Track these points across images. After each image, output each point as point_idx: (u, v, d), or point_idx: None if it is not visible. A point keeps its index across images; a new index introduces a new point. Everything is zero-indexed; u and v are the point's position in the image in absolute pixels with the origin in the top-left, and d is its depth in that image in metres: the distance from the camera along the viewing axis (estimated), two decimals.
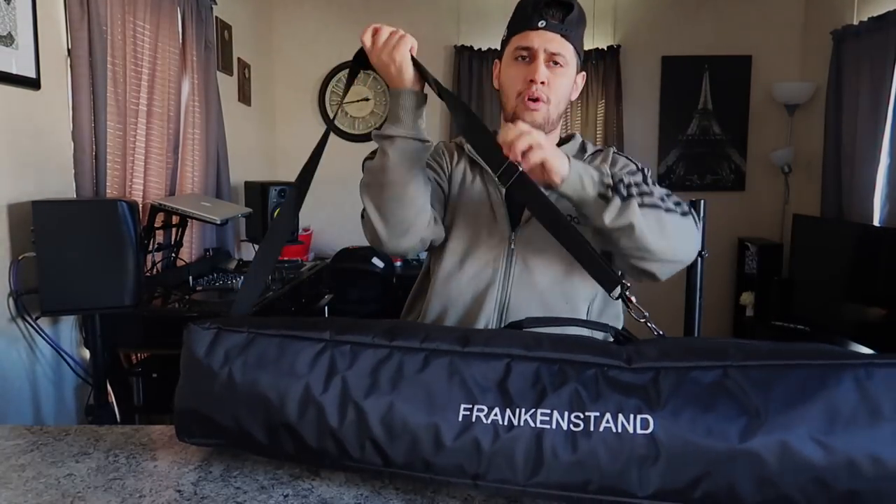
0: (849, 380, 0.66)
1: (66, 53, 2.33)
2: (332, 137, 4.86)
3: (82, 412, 2.38)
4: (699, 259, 2.82)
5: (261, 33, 4.69)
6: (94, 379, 2.23)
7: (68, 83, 2.33)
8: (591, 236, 1.14)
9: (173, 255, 2.99)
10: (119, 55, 2.55)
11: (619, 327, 1.32)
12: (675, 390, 0.69)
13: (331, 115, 4.93)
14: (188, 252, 3.25)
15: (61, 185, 2.30)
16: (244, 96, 4.24)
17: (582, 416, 0.70)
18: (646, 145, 4.98)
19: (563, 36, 1.32)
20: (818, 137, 4.44)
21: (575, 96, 1.44)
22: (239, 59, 4.13)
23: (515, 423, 0.71)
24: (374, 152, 1.26)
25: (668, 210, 1.17)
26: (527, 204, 1.09)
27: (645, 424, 0.68)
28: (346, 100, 4.89)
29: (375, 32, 1.17)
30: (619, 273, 1.17)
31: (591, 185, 1.11)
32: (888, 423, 0.64)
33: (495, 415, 0.72)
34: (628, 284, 1.00)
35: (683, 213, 1.20)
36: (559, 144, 1.45)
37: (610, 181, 1.12)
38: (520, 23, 1.35)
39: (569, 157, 1.11)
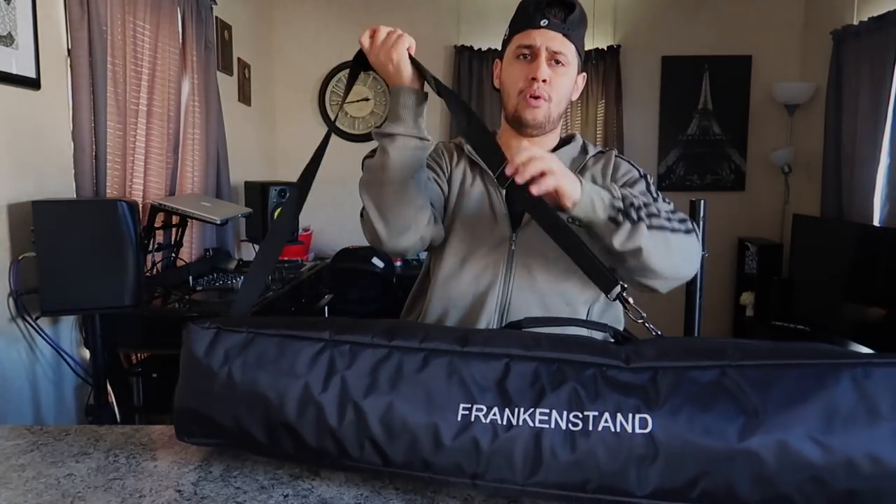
0: (847, 379, 0.66)
1: (66, 53, 2.33)
2: (333, 137, 4.85)
3: (82, 412, 2.38)
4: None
5: (261, 33, 4.69)
6: (94, 379, 2.23)
7: (68, 83, 2.33)
8: (591, 243, 1.15)
9: (173, 255, 2.99)
10: (119, 55, 2.55)
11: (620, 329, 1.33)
12: (674, 390, 0.69)
13: (331, 116, 4.93)
14: (188, 252, 3.25)
15: (61, 185, 2.30)
16: (244, 96, 4.24)
17: (580, 415, 0.70)
18: (646, 145, 4.98)
19: (564, 35, 1.32)
20: (818, 137, 4.43)
21: (575, 97, 1.44)
22: (239, 59, 4.13)
23: (514, 422, 0.71)
24: (373, 151, 1.26)
25: (673, 230, 1.18)
26: (525, 206, 1.09)
27: (643, 424, 0.68)
28: (346, 100, 4.89)
29: (373, 33, 1.18)
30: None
31: (602, 208, 1.12)
32: (886, 423, 0.64)
33: (494, 414, 0.72)
34: (626, 286, 1.00)
35: (687, 231, 1.22)
36: (559, 145, 1.45)
37: (620, 204, 1.13)
38: (522, 21, 1.35)
39: (580, 180, 1.10)
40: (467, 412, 0.73)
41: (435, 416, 0.73)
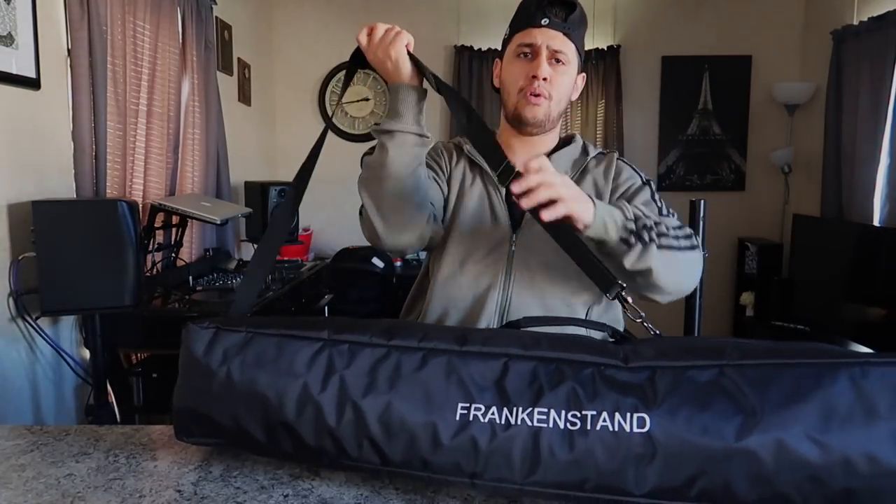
0: (844, 378, 0.66)
1: (66, 53, 2.33)
2: (332, 137, 4.88)
3: (82, 412, 2.38)
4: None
5: (261, 33, 4.69)
6: (94, 379, 2.23)
7: (68, 83, 2.33)
8: (600, 255, 1.15)
9: (173, 255, 2.99)
10: (119, 55, 2.55)
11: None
12: (672, 389, 0.69)
13: (331, 116, 4.94)
14: (188, 252, 3.25)
15: (61, 185, 2.30)
16: (244, 96, 4.24)
17: (579, 414, 0.70)
18: (646, 145, 4.98)
19: (565, 34, 1.33)
20: (818, 137, 4.43)
21: (575, 97, 1.44)
22: (239, 59, 4.13)
23: (512, 421, 0.71)
24: (372, 148, 1.25)
25: (681, 249, 1.20)
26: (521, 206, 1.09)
27: (641, 423, 0.68)
28: (345, 100, 4.90)
29: (371, 30, 1.17)
30: None
31: (615, 229, 1.12)
32: (884, 422, 0.64)
33: (492, 414, 0.72)
34: (624, 285, 1.00)
35: (692, 247, 1.23)
36: (559, 146, 1.45)
37: (633, 226, 1.13)
38: (523, 20, 1.35)
39: (593, 200, 1.09)
40: (466, 411, 0.73)
41: (433, 415, 0.73)
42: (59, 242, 1.95)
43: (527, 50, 1.34)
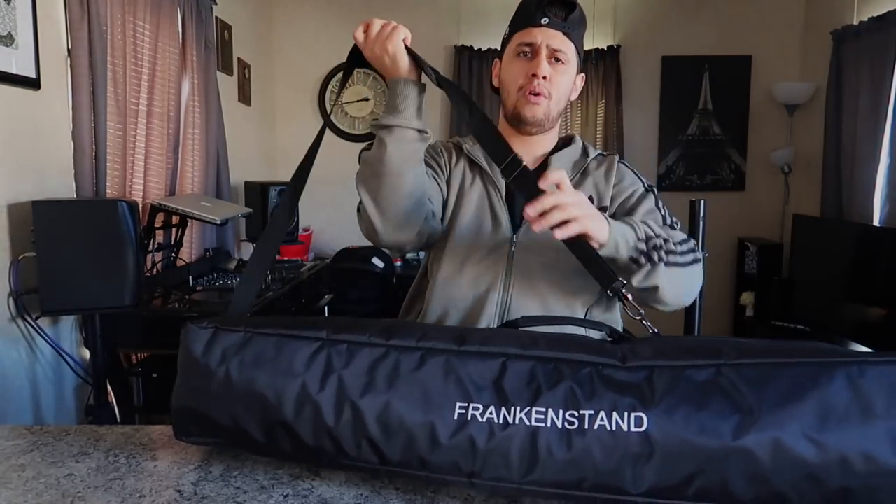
0: (841, 377, 0.66)
1: (66, 53, 2.33)
2: (332, 137, 4.88)
3: (82, 412, 2.38)
4: (701, 252, 2.83)
5: (261, 33, 4.70)
6: (94, 379, 2.23)
7: (68, 83, 2.33)
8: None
9: (173, 255, 2.99)
10: (119, 55, 2.55)
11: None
12: (669, 389, 0.69)
13: (331, 116, 4.94)
14: (188, 252, 3.26)
15: (61, 185, 2.31)
16: (244, 96, 4.24)
17: (576, 414, 0.70)
18: (646, 145, 4.99)
19: (565, 34, 1.33)
20: (818, 137, 4.44)
21: (574, 97, 1.44)
22: (239, 59, 4.14)
23: (510, 421, 0.71)
24: (370, 144, 1.24)
25: (686, 265, 1.21)
26: (526, 197, 1.09)
27: (639, 422, 0.68)
28: (345, 100, 4.90)
29: (367, 27, 1.17)
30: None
31: (626, 249, 1.13)
32: (880, 421, 0.64)
33: (490, 413, 0.72)
34: (624, 282, 1.01)
35: (695, 261, 1.24)
36: (559, 146, 1.45)
37: (644, 246, 1.15)
38: (523, 20, 1.36)
39: (608, 220, 1.09)
40: (464, 411, 0.73)
41: (432, 414, 0.73)
42: (59, 242, 1.96)
43: (527, 49, 1.34)
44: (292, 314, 3.15)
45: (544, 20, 1.32)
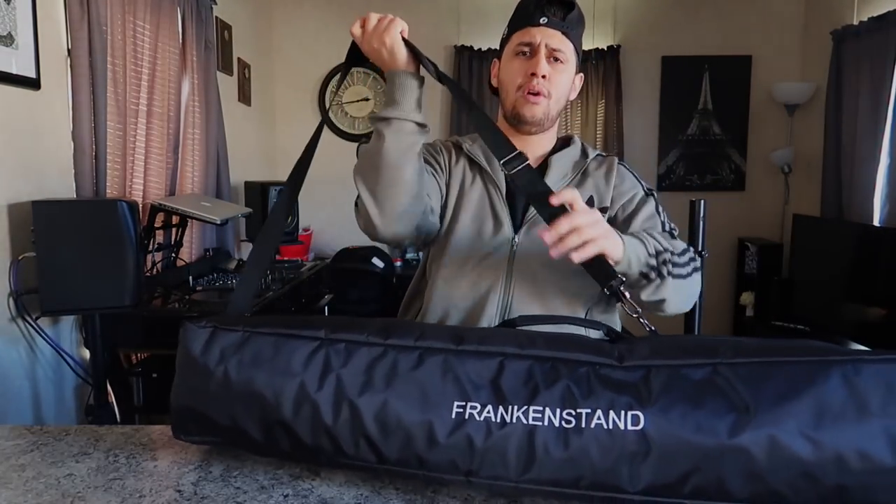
0: (837, 376, 0.67)
1: (66, 53, 2.33)
2: (332, 137, 4.89)
3: (82, 412, 2.39)
4: (699, 259, 2.83)
5: (261, 33, 4.70)
6: (94, 379, 2.24)
7: (68, 83, 2.34)
8: None
9: (173, 255, 2.99)
10: (119, 55, 2.56)
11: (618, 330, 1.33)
12: (666, 387, 0.70)
13: (331, 116, 4.94)
14: (188, 252, 3.26)
15: (61, 185, 2.31)
16: (244, 96, 4.24)
17: (574, 412, 0.70)
18: (646, 145, 4.99)
19: (563, 33, 1.33)
20: (818, 137, 4.44)
21: (573, 97, 1.44)
22: (239, 59, 4.14)
23: (508, 420, 0.71)
24: (367, 138, 1.24)
25: (689, 276, 1.23)
26: (527, 194, 1.09)
27: (636, 421, 0.68)
28: (345, 100, 4.91)
29: (364, 21, 1.16)
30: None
31: (637, 265, 1.14)
32: (876, 419, 0.65)
33: (488, 412, 0.72)
34: (623, 279, 1.01)
35: (696, 270, 1.26)
36: (558, 146, 1.45)
37: (654, 262, 1.16)
38: (521, 20, 1.36)
39: (622, 238, 1.10)
40: (461, 410, 0.73)
41: (429, 413, 0.74)
42: (59, 242, 1.96)
43: (525, 48, 1.34)
44: (292, 314, 3.15)
45: (543, 20, 1.32)
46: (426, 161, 1.34)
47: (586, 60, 4.76)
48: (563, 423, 0.70)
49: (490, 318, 1.30)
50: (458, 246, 1.35)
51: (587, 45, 4.74)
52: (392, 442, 0.75)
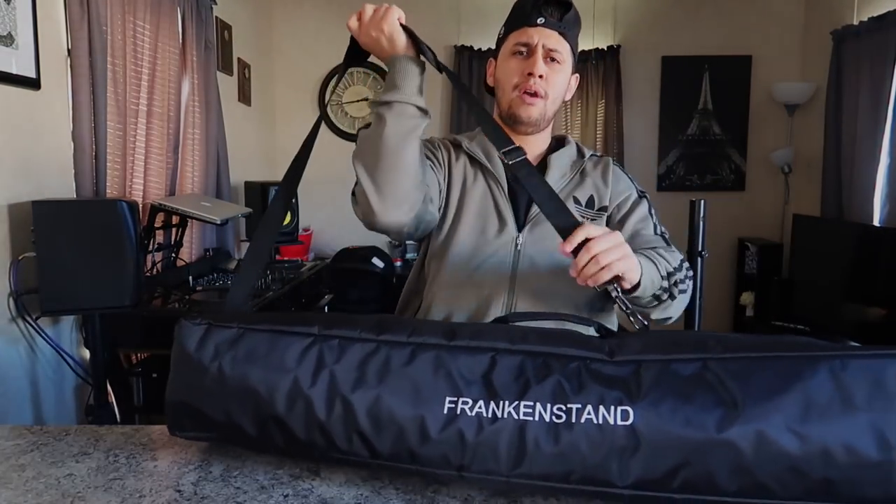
0: (824, 370, 0.67)
1: (66, 53, 2.34)
2: (332, 137, 4.90)
3: (82, 412, 2.39)
4: (699, 259, 2.84)
5: (261, 33, 4.71)
6: (94, 379, 2.24)
7: (68, 83, 2.34)
8: None
9: (173, 255, 3.00)
10: (119, 55, 2.56)
11: (615, 328, 1.34)
12: (656, 383, 0.70)
13: (332, 116, 4.95)
14: (188, 252, 3.26)
15: (61, 185, 2.31)
16: (244, 96, 4.25)
17: (564, 408, 0.71)
18: (646, 145, 4.99)
19: (560, 34, 1.33)
20: (818, 137, 4.44)
21: (569, 97, 1.44)
22: (239, 59, 4.15)
23: (499, 415, 0.72)
24: (367, 124, 1.21)
25: (688, 290, 1.26)
26: (528, 187, 1.09)
27: (625, 416, 0.69)
28: (345, 100, 4.91)
29: (360, 14, 1.17)
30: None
31: (651, 288, 1.15)
32: (862, 413, 0.65)
33: (479, 407, 0.73)
34: (621, 278, 1.02)
35: (690, 278, 1.28)
36: (554, 145, 1.46)
37: (666, 284, 1.18)
38: (518, 20, 1.36)
39: (641, 263, 1.10)
40: (453, 405, 0.73)
41: (421, 409, 0.74)
42: (59, 242, 1.96)
43: (522, 48, 1.34)
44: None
45: (540, 20, 1.33)
46: (424, 155, 1.34)
47: (586, 60, 4.77)
48: (553, 418, 0.70)
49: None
50: (461, 245, 1.34)
51: (587, 45, 4.75)
52: (384, 437, 0.75)
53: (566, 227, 1.01)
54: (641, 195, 1.41)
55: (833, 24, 4.28)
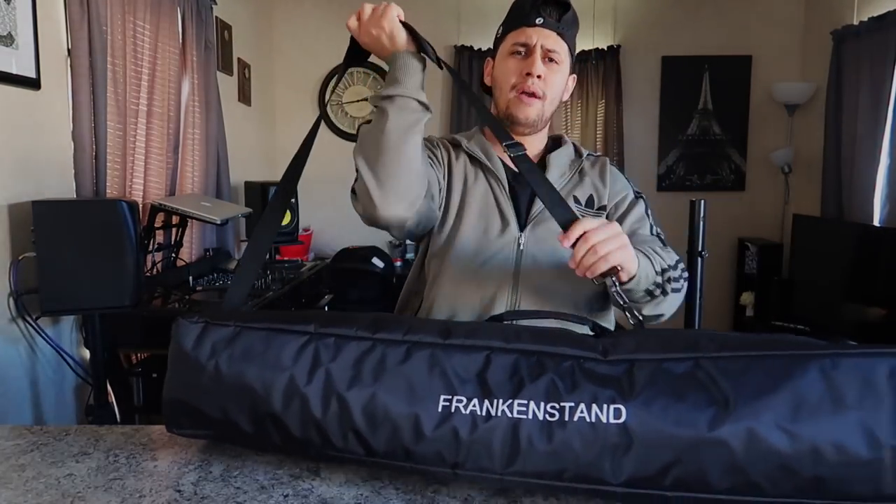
0: (815, 369, 0.68)
1: (66, 53, 2.34)
2: (332, 137, 4.90)
3: (82, 412, 2.39)
4: (699, 259, 2.84)
5: (261, 33, 4.71)
6: (94, 379, 2.24)
7: (68, 83, 2.35)
8: None
9: (173, 255, 3.00)
10: (119, 55, 2.57)
11: (612, 326, 1.34)
12: (648, 381, 0.71)
13: (332, 116, 4.95)
14: (188, 252, 3.27)
15: (61, 185, 2.32)
16: (244, 96, 4.26)
17: (557, 406, 0.71)
18: (646, 145, 4.99)
19: (558, 34, 1.34)
20: (818, 137, 4.44)
21: (566, 97, 1.44)
22: (239, 59, 4.15)
23: (493, 413, 0.72)
24: (369, 120, 1.21)
25: (682, 289, 1.26)
26: (531, 181, 1.09)
27: (618, 414, 0.69)
28: (345, 100, 4.91)
29: (360, 13, 1.17)
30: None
31: (645, 282, 1.15)
32: (852, 412, 0.65)
33: (474, 405, 0.73)
34: (619, 269, 1.02)
35: (685, 279, 1.28)
36: (551, 145, 1.46)
37: (660, 279, 1.18)
38: (516, 20, 1.36)
39: (637, 257, 1.10)
40: (448, 403, 0.74)
41: (416, 407, 0.75)
42: (59, 242, 1.96)
43: (521, 48, 1.34)
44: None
45: (539, 20, 1.33)
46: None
47: (586, 60, 4.77)
48: (547, 416, 0.71)
49: None
50: (464, 245, 1.33)
51: (587, 45, 4.75)
52: (380, 435, 0.76)
53: (566, 220, 1.02)
54: (638, 196, 1.41)
55: (833, 24, 4.28)
